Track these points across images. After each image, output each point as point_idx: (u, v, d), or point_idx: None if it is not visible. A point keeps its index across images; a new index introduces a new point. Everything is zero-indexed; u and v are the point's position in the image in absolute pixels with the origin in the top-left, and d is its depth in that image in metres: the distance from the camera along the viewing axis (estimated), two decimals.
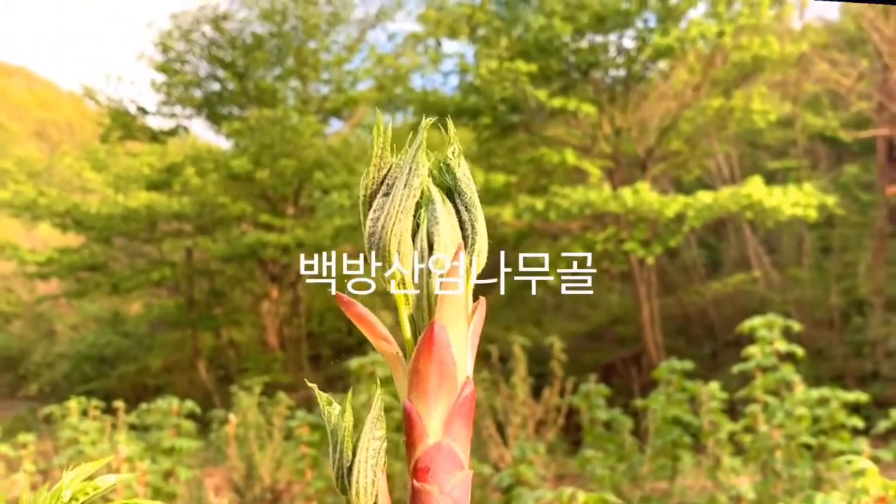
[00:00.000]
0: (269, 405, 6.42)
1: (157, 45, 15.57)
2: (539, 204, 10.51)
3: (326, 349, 15.13)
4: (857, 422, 4.21)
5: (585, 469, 4.63)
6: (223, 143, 16.75)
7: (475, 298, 0.63)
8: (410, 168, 0.62)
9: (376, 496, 0.61)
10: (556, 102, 11.01)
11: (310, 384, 0.66)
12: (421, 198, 0.63)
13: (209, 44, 15.43)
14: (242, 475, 5.71)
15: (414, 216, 0.63)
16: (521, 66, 10.87)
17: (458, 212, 0.64)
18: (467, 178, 0.65)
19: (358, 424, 0.62)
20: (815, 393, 4.16)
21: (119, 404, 5.68)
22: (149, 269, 14.80)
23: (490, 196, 11.35)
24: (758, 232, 14.49)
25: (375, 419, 0.62)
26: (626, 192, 10.15)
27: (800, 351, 4.39)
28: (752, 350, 4.46)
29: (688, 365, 5.01)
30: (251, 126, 13.82)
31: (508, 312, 14.09)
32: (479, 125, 12.15)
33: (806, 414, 4.09)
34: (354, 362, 5.36)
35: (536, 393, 6.33)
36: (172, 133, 16.37)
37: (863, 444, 3.87)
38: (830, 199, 10.59)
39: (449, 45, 13.92)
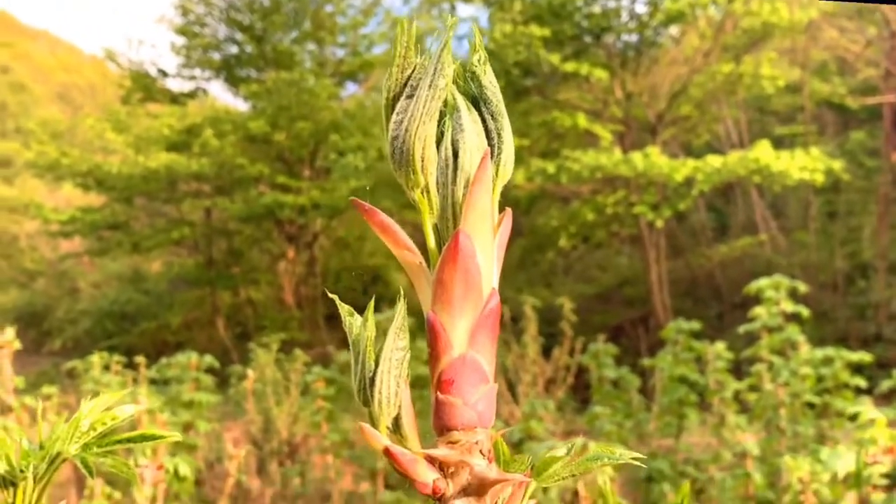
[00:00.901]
0: (285, 361, 6.44)
1: (177, 8, 15.52)
2: (550, 167, 10.48)
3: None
4: (860, 381, 4.21)
5: (593, 425, 4.64)
6: (241, 105, 16.74)
7: (501, 209, 0.61)
8: (435, 68, 0.58)
9: (399, 408, 0.60)
10: (569, 67, 10.95)
11: (330, 294, 0.64)
12: (445, 107, 0.60)
13: (228, 7, 15.37)
14: (260, 428, 5.74)
15: (438, 125, 0.59)
16: (535, 30, 10.79)
17: (483, 120, 0.60)
18: (493, 86, 0.61)
19: (380, 337, 0.61)
20: (820, 353, 4.15)
21: (140, 359, 5.71)
22: (169, 229, 14.84)
23: None
24: (765, 196, 14.41)
25: (399, 329, 0.60)
26: (636, 156, 10.10)
27: (805, 311, 4.39)
28: (759, 310, 4.45)
29: (695, 325, 5.00)
30: (269, 88, 13.78)
31: (520, 274, 14.08)
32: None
33: (810, 373, 4.08)
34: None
35: (547, 352, 6.33)
36: (192, 95, 16.35)
37: (866, 402, 3.86)
38: (837, 164, 10.53)
39: (463, 9, 13.83)
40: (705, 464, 4.30)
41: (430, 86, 0.58)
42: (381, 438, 0.57)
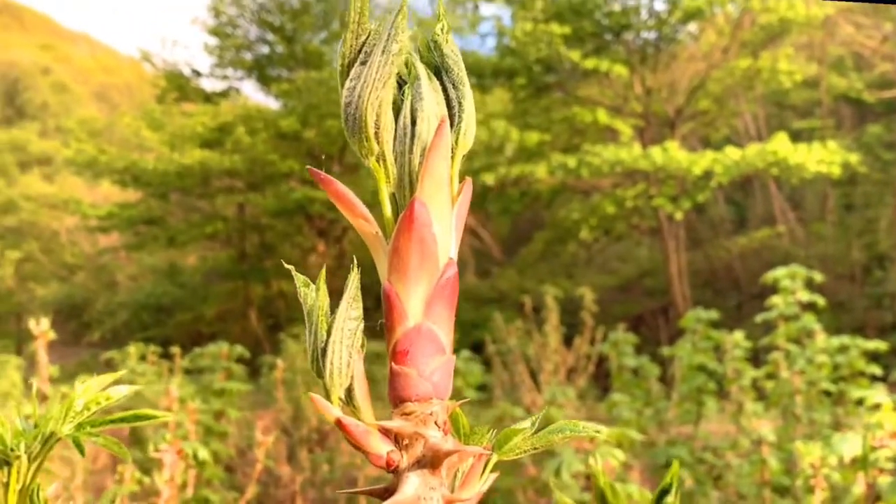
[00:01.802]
0: None
1: (210, 9, 15.57)
2: (572, 162, 10.44)
3: (370, 300, 15.16)
4: (876, 370, 4.16)
5: (613, 413, 4.61)
6: (272, 104, 16.78)
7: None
8: (389, 34, 0.56)
9: (352, 378, 0.57)
10: (589, 63, 10.90)
11: (286, 265, 0.62)
12: (407, 75, 0.57)
13: (259, 8, 15.41)
14: (290, 417, 5.75)
15: (400, 93, 0.57)
16: (556, 28, 10.75)
17: (444, 89, 0.57)
18: (455, 55, 0.58)
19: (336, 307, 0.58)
20: (836, 341, 4.10)
21: (175, 350, 5.73)
22: (203, 224, 14.92)
23: (525, 154, 11.29)
24: (783, 188, 14.31)
25: (352, 299, 0.57)
26: (655, 150, 10.05)
27: (821, 300, 4.34)
28: (776, 300, 4.41)
29: (713, 315, 4.97)
30: (299, 87, 13.81)
31: (542, 265, 14.04)
32: (514, 85, 12.06)
33: (826, 361, 4.04)
34: None
35: (568, 342, 6.31)
36: (224, 94, 16.41)
37: (881, 390, 3.82)
38: (854, 157, 10.44)
39: (486, 8, 13.81)
40: (723, 450, 4.26)
41: (383, 51, 0.56)
42: (332, 409, 0.55)
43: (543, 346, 6.12)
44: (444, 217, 0.55)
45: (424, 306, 0.55)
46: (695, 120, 12.81)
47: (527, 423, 0.60)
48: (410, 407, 0.55)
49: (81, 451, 0.71)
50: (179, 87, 15.86)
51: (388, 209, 0.57)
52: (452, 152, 0.56)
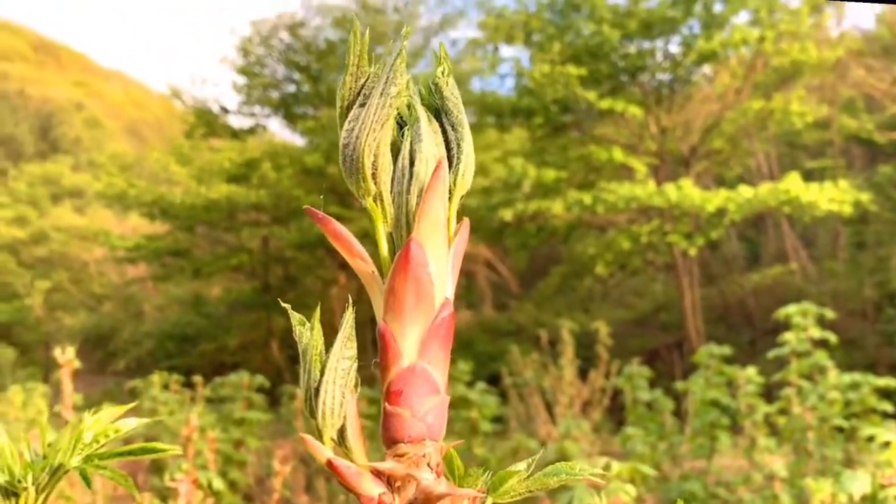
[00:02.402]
0: None
1: (238, 49, 15.71)
2: (587, 198, 10.43)
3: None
4: (888, 406, 4.10)
5: (627, 446, 4.56)
6: (298, 141, 16.87)
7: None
8: (388, 77, 0.55)
9: (344, 418, 0.55)
10: (605, 104, 10.91)
11: (283, 304, 0.61)
12: (407, 117, 0.57)
13: (286, 49, 15.52)
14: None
15: (400, 135, 0.57)
16: (573, 69, 10.78)
17: (444, 131, 0.57)
18: (455, 98, 0.58)
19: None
20: (847, 377, 4.05)
21: (197, 379, 5.72)
22: (228, 256, 14.96)
23: (542, 190, 11.29)
24: (795, 226, 14.23)
25: (346, 338, 0.56)
26: (669, 188, 10.03)
27: (832, 337, 4.30)
28: (788, 336, 4.37)
29: (726, 350, 4.93)
30: (323, 125, 13.88)
31: (558, 299, 13.99)
32: (532, 125, 12.10)
33: (838, 398, 3.98)
34: None
35: (583, 375, 6.26)
36: (251, 131, 16.51)
37: (892, 428, 3.76)
38: (865, 196, 10.38)
39: (506, 51, 13.89)
40: (736, 485, 4.21)
41: (381, 94, 0.56)
42: (324, 451, 0.54)
43: (559, 378, 6.07)
44: (440, 257, 0.54)
45: (419, 346, 0.54)
46: (709, 159, 12.79)
47: (522, 466, 0.58)
48: (403, 448, 0.54)
49: (88, 484, 0.70)
50: (208, 123, 15.98)
51: (384, 249, 0.56)
52: (450, 193, 0.55)
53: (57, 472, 0.71)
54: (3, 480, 0.69)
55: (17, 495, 0.69)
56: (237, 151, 15.11)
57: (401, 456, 0.54)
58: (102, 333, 18.62)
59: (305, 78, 15.71)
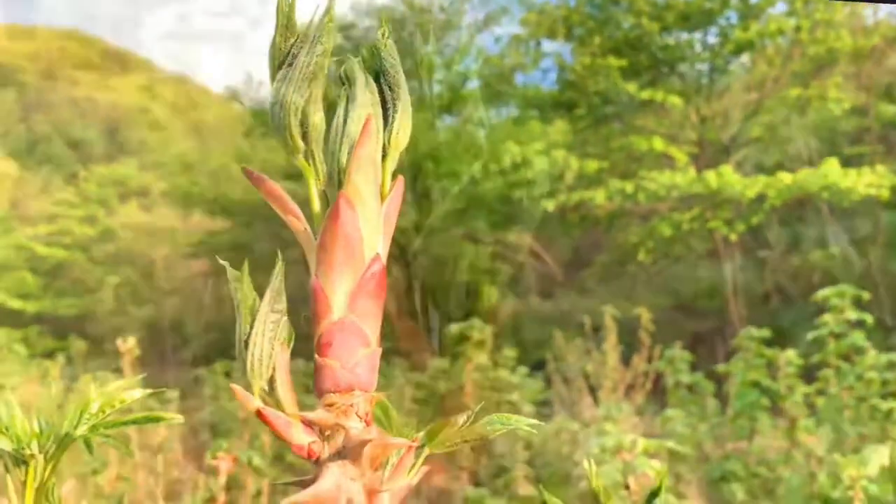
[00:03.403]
0: (385, 368, 6.48)
1: None
2: (629, 187, 10.36)
3: (439, 320, 15.21)
4: None
5: (667, 428, 4.52)
6: None
7: (397, 177, 0.57)
8: (314, 36, 0.56)
9: (273, 370, 0.55)
10: (645, 94, 10.82)
11: (221, 261, 0.61)
12: (347, 80, 0.56)
13: (337, 49, 15.58)
14: None
15: (342, 97, 0.56)
16: (613, 61, 10.70)
17: (381, 91, 0.57)
18: (393, 59, 0.58)
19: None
20: (885, 357, 3.98)
21: None
22: (284, 249, 15.07)
23: (584, 181, 11.23)
24: (835, 211, 14.00)
25: (275, 292, 0.57)
26: (710, 175, 9.93)
27: (869, 318, 4.22)
28: (826, 318, 4.30)
29: (766, 333, 4.87)
30: None
31: (602, 287, 13.90)
32: (574, 117, 12.03)
33: (875, 377, 3.91)
34: (455, 327, 5.39)
35: (626, 360, 6.22)
36: None
37: None
38: None
39: (548, 45, 13.81)
40: (776, 465, 4.15)
41: (308, 52, 0.55)
42: (253, 400, 0.54)
43: (602, 363, 6.05)
44: (371, 214, 0.55)
45: (349, 300, 0.54)
46: (748, 146, 12.62)
47: (462, 418, 0.58)
48: (332, 398, 0.55)
49: (91, 450, 0.71)
50: (264, 123, 16.11)
51: (316, 206, 0.57)
52: (385, 151, 0.56)
53: (64, 441, 0.72)
54: (12, 448, 0.70)
55: (26, 463, 0.70)
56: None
57: (330, 405, 0.54)
58: (168, 325, 18.88)
59: None
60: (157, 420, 0.76)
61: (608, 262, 13.58)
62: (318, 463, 0.54)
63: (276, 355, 0.55)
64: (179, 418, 0.76)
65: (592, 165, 11.14)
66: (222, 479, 2.05)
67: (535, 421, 0.58)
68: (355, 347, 0.54)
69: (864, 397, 3.94)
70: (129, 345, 2.89)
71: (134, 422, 0.76)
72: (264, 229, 16.13)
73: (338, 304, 0.55)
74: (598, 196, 10.63)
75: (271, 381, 0.55)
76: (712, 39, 11.30)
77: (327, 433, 0.54)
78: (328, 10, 0.56)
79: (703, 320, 13.70)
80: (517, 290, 17.61)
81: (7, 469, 0.70)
